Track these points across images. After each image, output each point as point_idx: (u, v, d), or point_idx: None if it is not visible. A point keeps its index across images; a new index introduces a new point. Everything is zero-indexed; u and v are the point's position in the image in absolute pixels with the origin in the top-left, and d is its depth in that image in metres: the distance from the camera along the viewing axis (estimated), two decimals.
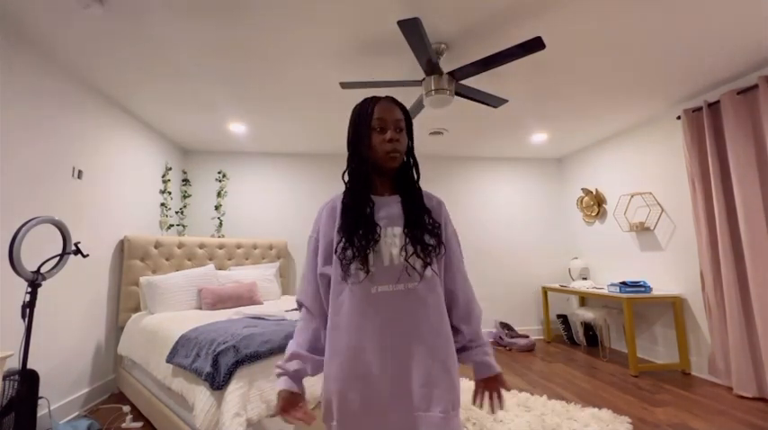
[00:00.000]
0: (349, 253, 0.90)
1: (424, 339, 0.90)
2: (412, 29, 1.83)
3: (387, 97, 1.02)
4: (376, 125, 0.95)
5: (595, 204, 4.19)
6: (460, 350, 0.99)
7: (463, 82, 2.41)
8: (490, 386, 1.00)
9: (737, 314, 2.61)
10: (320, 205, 1.07)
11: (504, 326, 4.27)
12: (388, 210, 0.97)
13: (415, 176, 1.02)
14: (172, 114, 3.22)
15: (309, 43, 2.20)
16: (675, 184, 3.26)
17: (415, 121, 3.36)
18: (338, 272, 0.92)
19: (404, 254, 0.91)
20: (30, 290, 1.74)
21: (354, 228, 0.91)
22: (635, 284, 3.28)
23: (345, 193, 0.99)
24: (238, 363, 1.68)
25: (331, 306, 0.94)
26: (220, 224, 4.04)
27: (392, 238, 0.93)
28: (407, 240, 0.92)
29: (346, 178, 1.01)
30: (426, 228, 0.96)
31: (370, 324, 0.89)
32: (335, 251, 0.92)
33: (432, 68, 2.19)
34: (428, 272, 0.93)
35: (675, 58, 2.45)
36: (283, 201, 4.36)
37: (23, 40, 2.09)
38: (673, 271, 3.30)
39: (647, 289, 3.27)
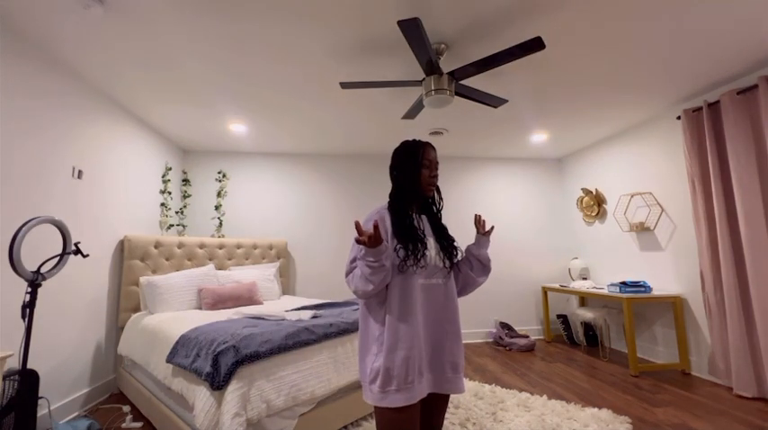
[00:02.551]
0: (402, 253, 1.22)
1: (450, 319, 1.29)
2: (412, 29, 1.82)
3: (428, 143, 1.38)
4: (426, 164, 1.33)
5: (595, 204, 4.19)
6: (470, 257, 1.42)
7: (463, 82, 2.41)
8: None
9: (737, 314, 2.62)
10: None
11: (504, 326, 4.27)
12: (423, 225, 1.33)
13: (441, 204, 1.43)
14: (172, 114, 3.22)
15: (309, 43, 2.20)
16: (675, 184, 3.26)
17: (415, 121, 3.37)
18: (395, 266, 1.22)
19: (439, 257, 1.29)
20: (30, 290, 1.74)
21: (408, 237, 1.25)
22: (635, 284, 3.28)
23: (392, 209, 1.32)
24: (238, 363, 1.68)
25: (392, 293, 1.22)
26: (220, 224, 4.04)
27: (429, 246, 1.28)
28: (440, 248, 1.31)
29: (391, 197, 1.37)
30: (450, 240, 1.36)
31: (419, 307, 1.23)
32: (394, 250, 1.23)
33: (432, 68, 2.19)
34: (451, 272, 1.35)
35: (675, 58, 2.45)
36: (283, 201, 4.36)
37: (23, 40, 2.09)
38: (673, 271, 3.30)
39: (647, 289, 3.27)
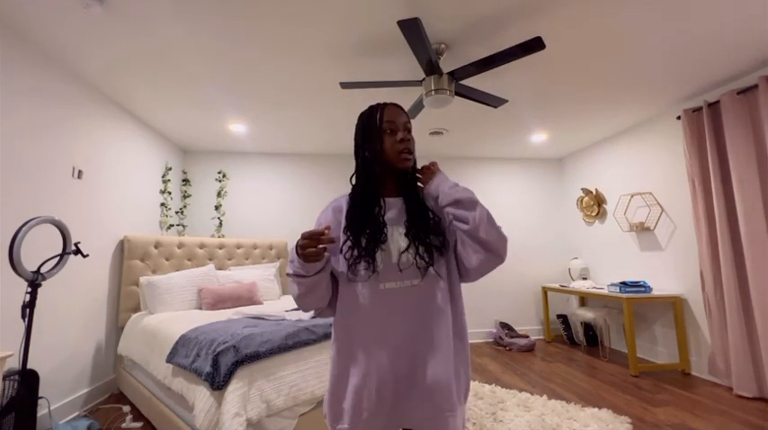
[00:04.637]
0: (355, 252, 0.92)
1: (431, 337, 0.93)
2: (412, 29, 1.83)
3: (392, 103, 1.05)
4: (387, 128, 0.99)
5: (595, 204, 4.19)
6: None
7: (463, 82, 2.41)
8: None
9: (737, 314, 2.61)
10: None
11: (504, 326, 4.27)
12: (394, 211, 1.00)
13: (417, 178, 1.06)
14: (172, 114, 3.22)
15: (309, 43, 2.20)
16: (675, 184, 3.26)
17: (415, 121, 3.37)
18: (345, 271, 0.95)
19: (408, 252, 0.94)
20: (30, 290, 1.74)
21: (361, 228, 0.94)
22: (635, 284, 3.28)
23: (353, 195, 1.02)
24: (238, 363, 1.68)
25: (340, 305, 0.98)
26: (220, 224, 4.04)
27: (398, 237, 0.96)
28: (411, 239, 0.95)
29: (354, 181, 1.05)
30: (430, 228, 0.98)
31: (380, 320, 0.93)
32: (341, 250, 0.95)
33: (432, 68, 2.19)
34: (431, 270, 0.95)
35: (675, 58, 2.45)
36: (283, 201, 4.36)
37: (23, 40, 2.09)
38: (673, 271, 3.30)
39: (647, 289, 3.27)
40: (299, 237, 0.87)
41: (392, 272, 0.94)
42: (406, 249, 0.95)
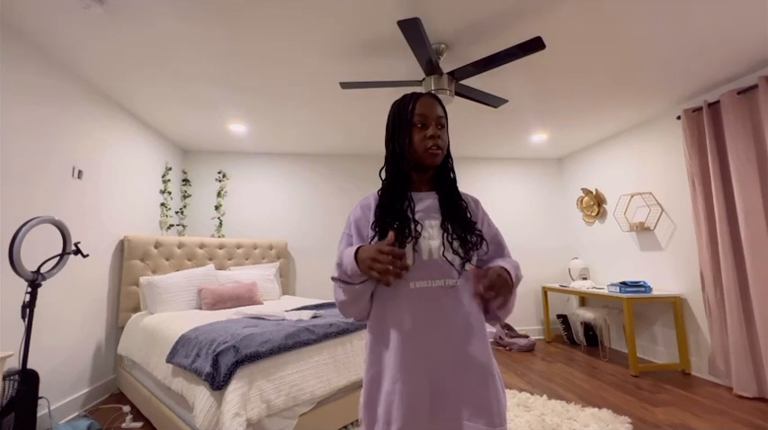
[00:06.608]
0: None
1: (463, 339, 0.88)
2: (412, 29, 1.83)
3: (429, 93, 1.00)
4: (417, 121, 0.93)
5: (595, 204, 4.19)
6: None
7: (463, 82, 2.41)
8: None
9: (737, 314, 2.61)
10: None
11: (504, 326, 4.27)
12: (425, 204, 0.96)
13: (453, 175, 1.02)
14: (172, 114, 3.22)
15: (309, 43, 2.20)
16: (675, 184, 3.26)
17: None
18: None
19: (442, 249, 0.89)
20: (30, 290, 1.74)
21: (388, 224, 0.89)
22: (635, 284, 3.28)
23: (382, 190, 0.98)
24: (238, 363, 1.68)
25: (375, 299, 0.94)
26: (220, 224, 4.04)
27: (430, 233, 0.91)
28: (445, 235, 0.90)
29: (383, 175, 1.00)
30: (466, 224, 0.94)
31: (410, 322, 0.87)
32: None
33: (432, 68, 2.19)
34: (467, 267, 0.91)
35: (675, 58, 2.45)
36: (283, 201, 4.36)
37: (23, 40, 2.09)
38: (673, 271, 3.30)
39: (647, 289, 3.27)
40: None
41: (424, 270, 0.88)
42: (441, 245, 0.89)
